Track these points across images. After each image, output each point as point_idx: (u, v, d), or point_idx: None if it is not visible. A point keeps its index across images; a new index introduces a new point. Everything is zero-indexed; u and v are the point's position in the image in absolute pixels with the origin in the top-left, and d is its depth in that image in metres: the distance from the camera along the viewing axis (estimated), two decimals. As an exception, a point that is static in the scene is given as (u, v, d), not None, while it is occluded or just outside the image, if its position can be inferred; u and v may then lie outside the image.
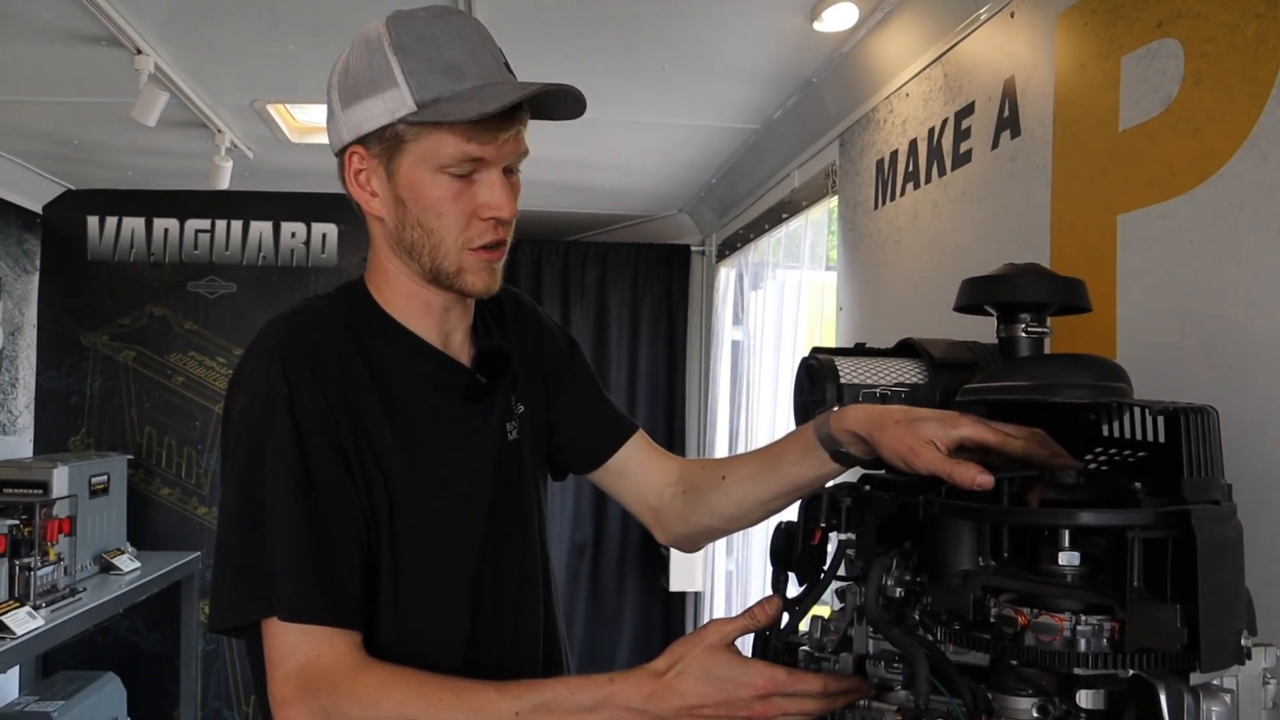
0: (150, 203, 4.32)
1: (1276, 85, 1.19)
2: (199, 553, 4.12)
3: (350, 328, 1.22)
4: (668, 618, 4.85)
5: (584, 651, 4.78)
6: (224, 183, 3.35)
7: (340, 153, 1.22)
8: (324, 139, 3.74)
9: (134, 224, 4.33)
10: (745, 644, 1.21)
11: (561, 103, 1.18)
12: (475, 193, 1.17)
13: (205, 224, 4.37)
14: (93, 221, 4.31)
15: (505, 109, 1.12)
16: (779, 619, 1.13)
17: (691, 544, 1.46)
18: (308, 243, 4.41)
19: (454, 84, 1.13)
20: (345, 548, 1.13)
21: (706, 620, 4.55)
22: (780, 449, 1.27)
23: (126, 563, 3.66)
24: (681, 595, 4.76)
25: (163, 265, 4.34)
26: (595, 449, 1.45)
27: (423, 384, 1.24)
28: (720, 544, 4.36)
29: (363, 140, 1.18)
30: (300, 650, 1.08)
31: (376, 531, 1.18)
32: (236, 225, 4.39)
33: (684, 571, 4.40)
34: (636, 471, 1.44)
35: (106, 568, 3.60)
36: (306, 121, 3.48)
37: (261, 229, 4.40)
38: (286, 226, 4.41)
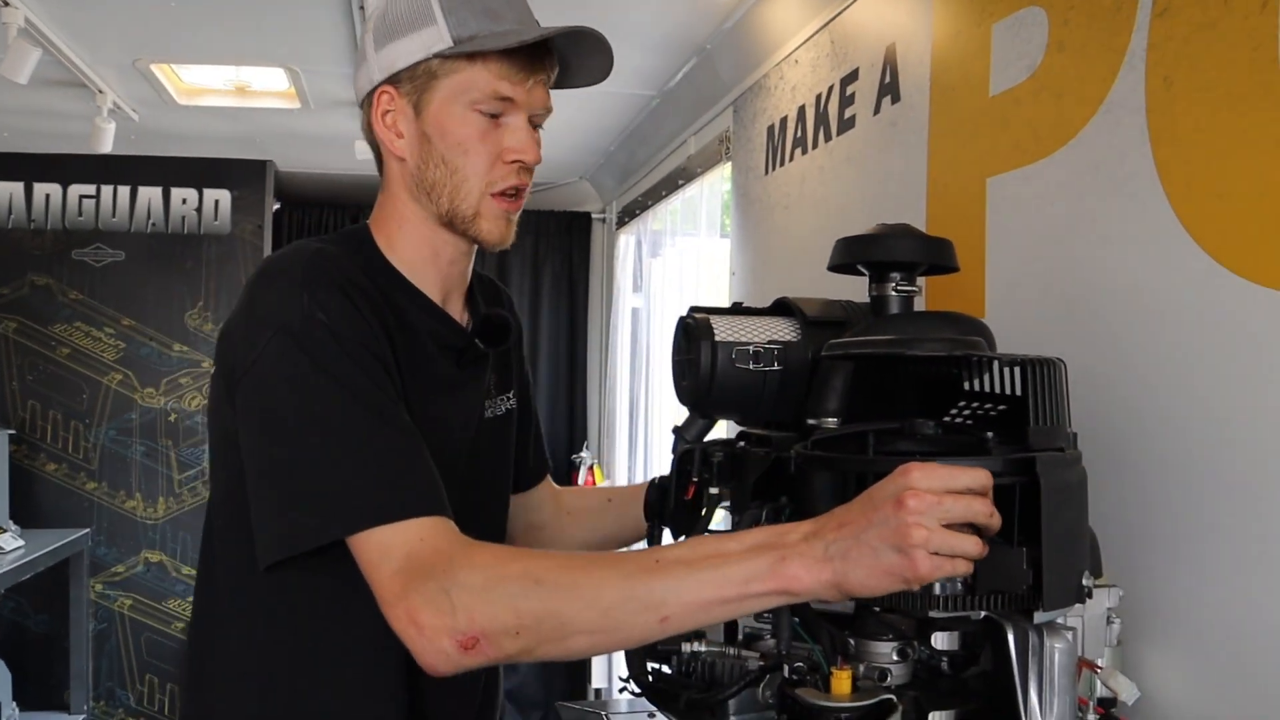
0: (29, 166, 4.15)
1: (1129, 53, 1.24)
2: (88, 529, 4.00)
3: (362, 271, 1.18)
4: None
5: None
6: (107, 146, 3.24)
7: (369, 95, 1.23)
8: (214, 101, 3.61)
9: (12, 189, 4.15)
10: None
11: (588, 63, 1.23)
12: (502, 135, 1.19)
13: (90, 189, 4.22)
14: (-33, 186, 4.13)
15: (531, 48, 1.16)
16: None
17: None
18: (200, 209, 4.29)
19: (491, 24, 1.16)
20: (413, 444, 1.08)
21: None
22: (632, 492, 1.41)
23: (9, 541, 3.54)
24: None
25: (44, 232, 4.18)
26: (519, 478, 1.47)
27: (424, 336, 1.22)
28: (621, 479, 4.39)
29: (393, 80, 1.20)
30: (399, 545, 1.01)
31: None
32: (124, 191, 4.24)
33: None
34: (534, 505, 1.52)
35: (-13, 546, 3.48)
36: (194, 83, 3.38)
37: (150, 195, 4.26)
38: (177, 192, 4.28)
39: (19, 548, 3.56)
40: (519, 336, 1.43)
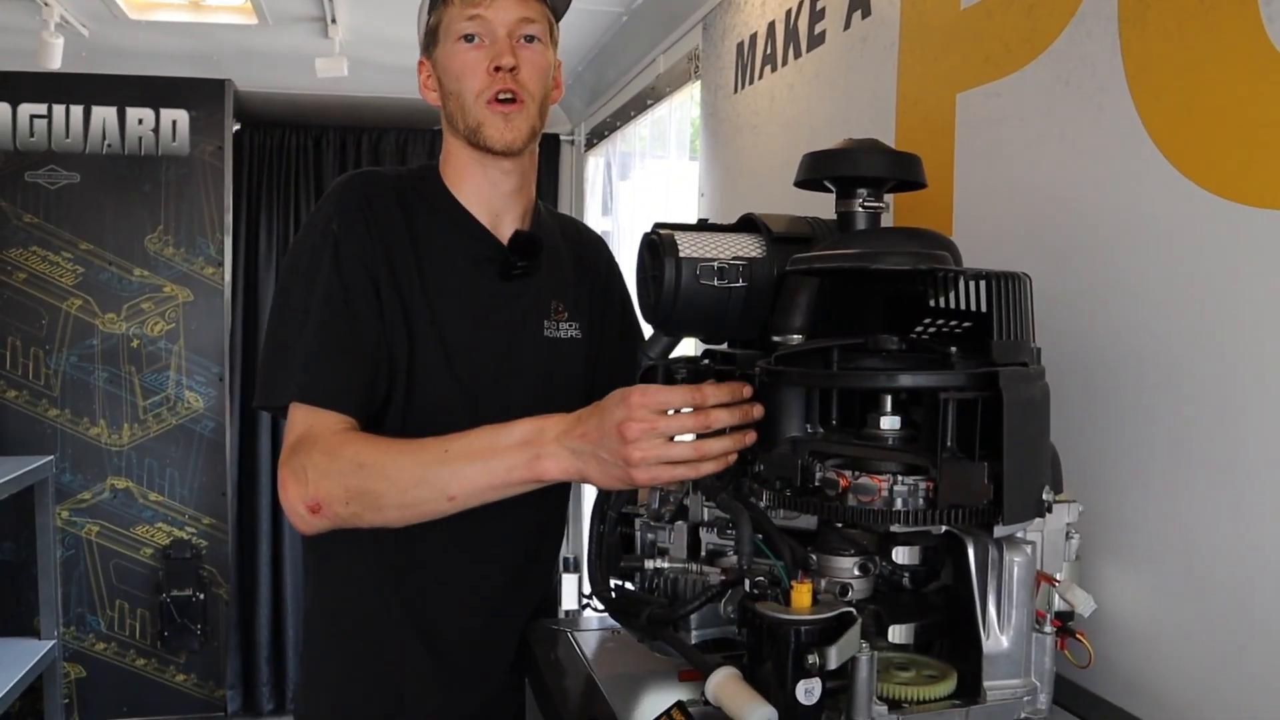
0: (-24, 84, 4.01)
1: (1102, -40, 1.21)
2: (52, 456, 3.96)
3: (406, 194, 1.44)
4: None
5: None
6: (55, 63, 3.12)
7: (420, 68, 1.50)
8: (168, 16, 3.49)
9: (-41, 108, 4.02)
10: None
11: None
12: (484, 54, 1.39)
13: (41, 109, 4.08)
14: (-90, 105, 3.99)
15: None
16: None
17: None
18: (156, 130, 4.17)
19: None
20: (361, 350, 1.34)
21: (581, 509, 4.55)
22: None
23: (-30, 468, 3.50)
24: (557, 487, 4.79)
25: (-5, 153, 4.05)
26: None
27: (460, 253, 1.45)
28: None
29: (425, 50, 1.47)
30: (302, 424, 1.29)
31: (394, 352, 1.38)
32: (77, 110, 4.11)
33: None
34: None
35: (-52, 473, 3.43)
36: (146, -3, 3.26)
37: (105, 115, 4.13)
38: (133, 112, 4.15)
39: (-19, 475, 3.52)
40: (606, 279, 1.63)
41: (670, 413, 1.06)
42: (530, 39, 1.42)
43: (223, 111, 4.18)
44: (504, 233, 1.49)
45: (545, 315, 1.51)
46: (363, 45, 3.46)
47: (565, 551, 4.75)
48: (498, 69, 1.38)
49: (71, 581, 4.15)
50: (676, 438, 1.07)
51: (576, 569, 4.55)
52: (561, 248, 1.57)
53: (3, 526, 4.03)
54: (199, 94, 4.16)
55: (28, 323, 4.09)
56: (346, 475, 1.22)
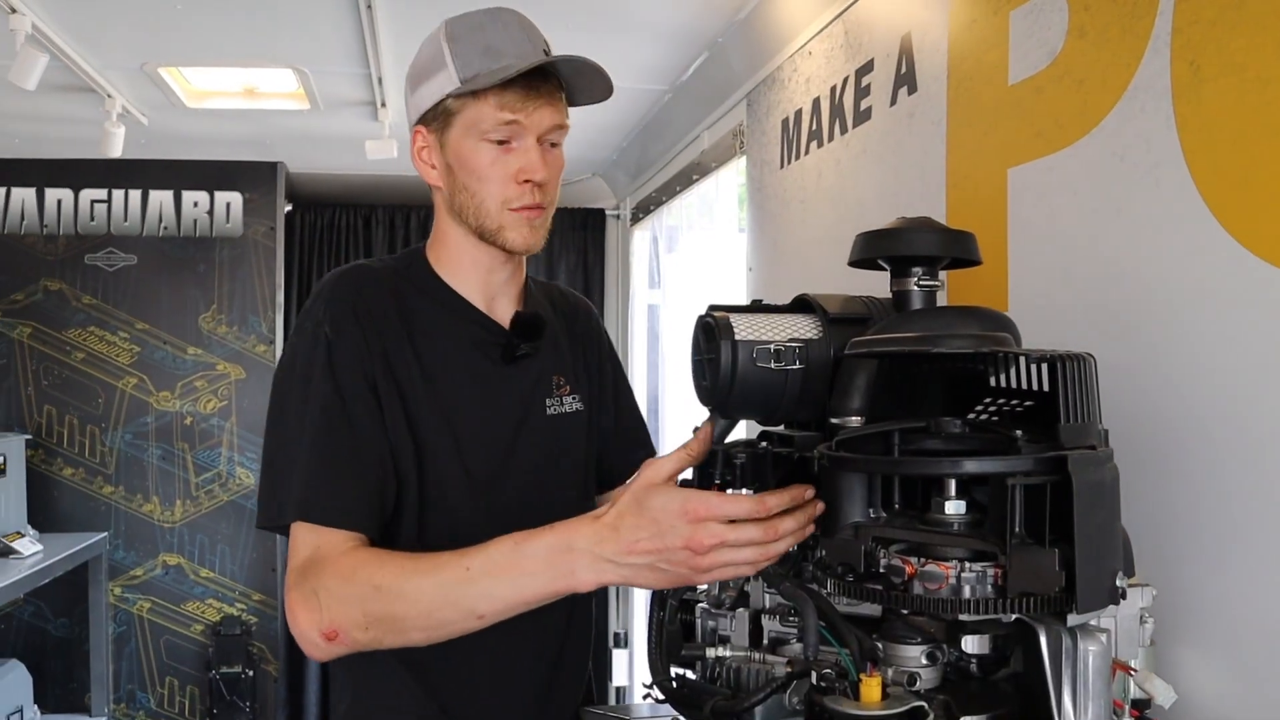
0: (41, 172, 4.15)
1: (1153, 37, 1.21)
2: (106, 533, 4.01)
3: (398, 285, 1.39)
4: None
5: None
6: (117, 150, 3.23)
7: (411, 132, 1.41)
8: (222, 104, 3.61)
9: (24, 194, 4.16)
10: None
11: (591, 84, 1.36)
12: (513, 159, 1.33)
13: (101, 194, 4.22)
14: (-21, 192, 4.13)
15: (529, 77, 1.29)
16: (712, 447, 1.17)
17: None
18: (211, 212, 4.28)
19: (491, 62, 1.30)
20: (362, 461, 1.28)
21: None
22: None
23: (27, 545, 3.55)
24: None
25: (57, 237, 4.18)
26: (601, 477, 1.59)
27: (459, 339, 1.40)
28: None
29: (424, 119, 1.38)
30: (308, 545, 1.23)
31: (400, 458, 1.32)
32: (135, 195, 4.24)
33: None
34: None
35: (5, 551, 3.48)
36: (203, 86, 3.37)
37: (162, 198, 4.26)
38: (188, 195, 4.27)
39: (37, 552, 3.57)
40: (593, 345, 1.60)
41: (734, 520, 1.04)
42: (555, 144, 1.38)
43: (275, 193, 4.29)
44: (500, 314, 1.44)
45: (548, 393, 1.47)
46: (407, 125, 3.54)
47: (616, 626, 4.72)
48: (527, 180, 1.34)
49: (122, 658, 4.17)
50: None
51: (626, 644, 4.50)
52: (553, 319, 1.53)
53: (56, 603, 4.07)
54: (252, 176, 4.27)
55: (85, 401, 4.18)
56: (365, 600, 1.17)
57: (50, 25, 2.54)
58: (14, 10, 2.34)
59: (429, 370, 1.36)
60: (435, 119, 1.36)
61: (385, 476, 1.30)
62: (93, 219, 4.21)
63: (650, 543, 1.04)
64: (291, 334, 1.37)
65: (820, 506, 1.05)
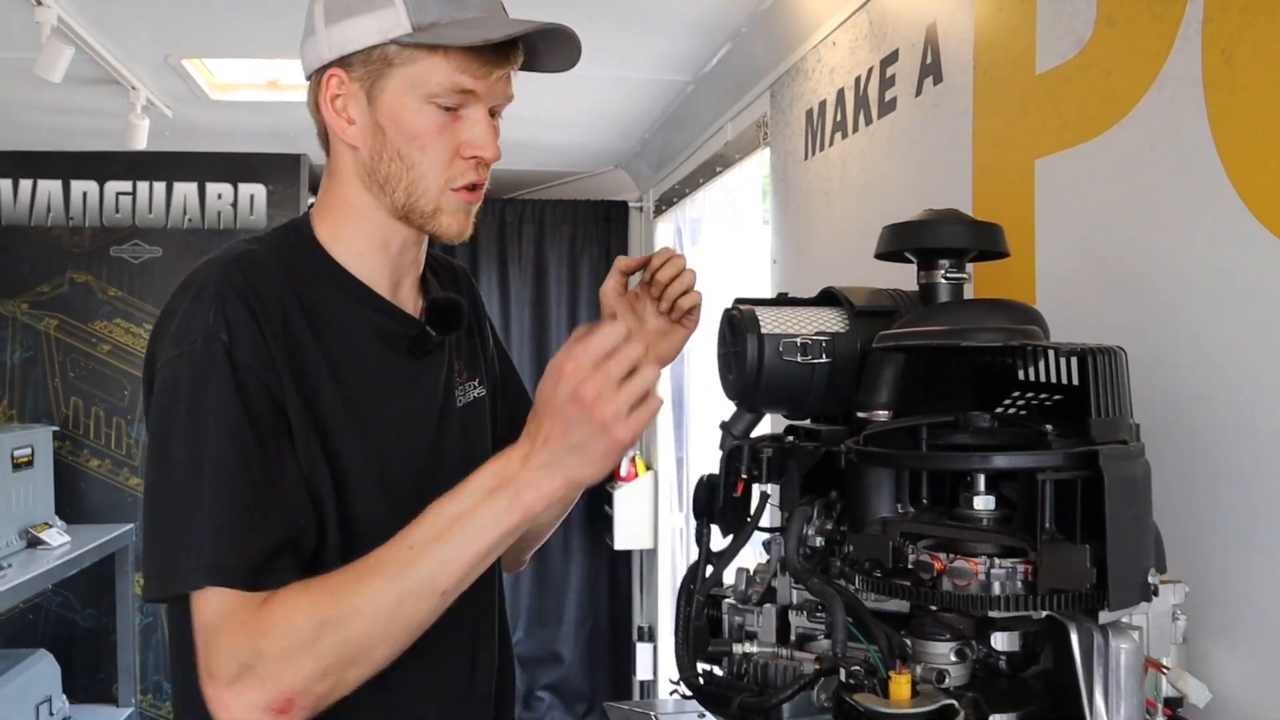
0: (66, 164, 4.17)
1: (1183, 25, 1.19)
2: (131, 525, 4.04)
3: (291, 273, 1.14)
4: (614, 576, 4.87)
5: (531, 614, 4.79)
6: (141, 142, 3.25)
7: (316, 73, 1.16)
8: (247, 95, 3.61)
9: (50, 187, 4.19)
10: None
11: (556, 51, 1.16)
12: (460, 129, 1.13)
13: (126, 186, 4.24)
14: (4, 184, 4.16)
15: (506, 40, 1.10)
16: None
17: (507, 566, 1.42)
18: (235, 204, 4.30)
19: (454, 10, 1.10)
20: (283, 500, 1.06)
21: (656, 577, 4.48)
22: None
23: (55, 537, 3.58)
24: (627, 553, 4.78)
25: (83, 229, 4.21)
26: None
27: (367, 332, 1.18)
28: (666, 500, 4.38)
29: (344, 62, 1.13)
30: (215, 613, 1.00)
31: (315, 485, 1.10)
32: (159, 187, 4.26)
33: (629, 530, 4.41)
34: None
35: (34, 542, 3.51)
36: (227, 78, 3.38)
37: (186, 190, 4.28)
38: (212, 188, 4.29)
39: (65, 543, 3.60)
40: (480, 319, 1.40)
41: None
42: (498, 114, 1.18)
43: (298, 184, 4.30)
44: (404, 300, 1.23)
45: (454, 383, 1.29)
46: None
47: (640, 620, 4.72)
48: (474, 157, 1.14)
49: (150, 648, 4.20)
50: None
51: (651, 638, 4.50)
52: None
53: (84, 594, 4.11)
54: (276, 169, 4.29)
55: (111, 393, 4.21)
56: (313, 644, 0.97)
57: (75, 17, 2.55)
58: (40, 3, 2.36)
59: (339, 373, 1.14)
60: (365, 65, 1.12)
61: (305, 513, 1.08)
62: (118, 211, 4.24)
63: (553, 425, 0.95)
64: (168, 345, 1.07)
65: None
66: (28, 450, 3.61)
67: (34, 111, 3.55)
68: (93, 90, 3.15)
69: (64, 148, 4.13)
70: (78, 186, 4.20)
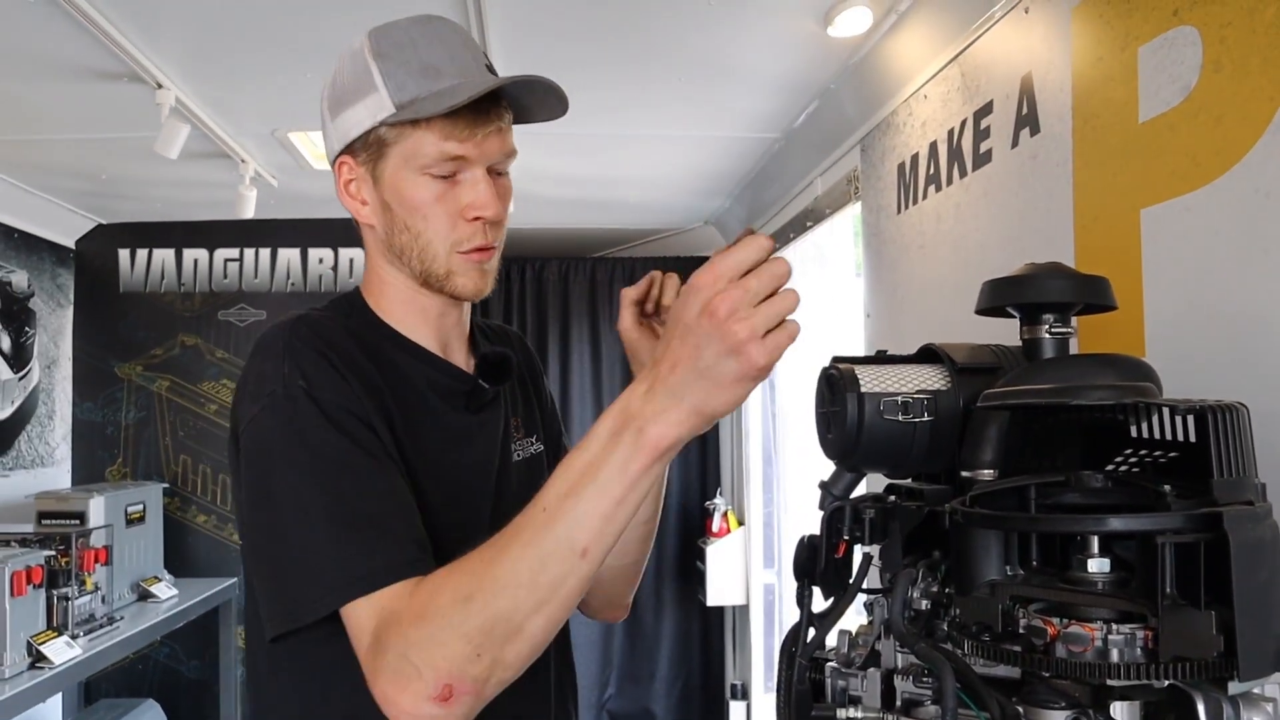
0: (179, 234, 4.37)
1: (1298, 69, 1.16)
2: (235, 578, 4.14)
3: (352, 333, 1.20)
4: (706, 632, 4.82)
5: (624, 671, 4.75)
6: (249, 211, 3.38)
7: (333, 164, 1.23)
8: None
9: (164, 255, 4.38)
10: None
11: (544, 102, 1.19)
12: (460, 193, 1.17)
13: (234, 253, 4.41)
14: (124, 254, 4.37)
15: (475, 100, 1.12)
16: None
17: (610, 608, 1.47)
18: (335, 268, 4.44)
19: (430, 83, 1.14)
20: (389, 504, 1.07)
21: (749, 634, 4.43)
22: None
23: (164, 590, 3.69)
24: (720, 609, 4.72)
25: (193, 295, 4.39)
26: None
27: (426, 387, 1.22)
28: (757, 556, 4.33)
29: (350, 149, 1.19)
30: (368, 619, 1.01)
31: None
32: (264, 253, 4.43)
33: (721, 586, 4.36)
34: None
35: (144, 595, 3.63)
36: (329, 148, 3.51)
37: (289, 256, 4.44)
38: (314, 253, 4.44)
39: (173, 596, 3.71)
40: (536, 378, 1.43)
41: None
42: (503, 173, 1.22)
43: (395, 248, 4.42)
44: (455, 359, 1.28)
45: (510, 439, 1.31)
46: (522, 179, 3.61)
47: (733, 677, 4.65)
48: (477, 218, 1.17)
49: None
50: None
51: (745, 696, 4.43)
52: None
53: (190, 645, 4.22)
54: (375, 233, 4.41)
55: (217, 450, 4.35)
56: (462, 624, 0.95)
57: (192, 98, 2.69)
58: (160, 86, 2.49)
59: (405, 425, 1.16)
60: (365, 149, 1.18)
61: (417, 515, 1.10)
62: (225, 277, 4.41)
63: (682, 346, 0.89)
64: (247, 404, 1.11)
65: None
66: (140, 506, 3.75)
67: (151, 185, 3.74)
68: (205, 164, 3.30)
69: (177, 218, 4.32)
70: (189, 254, 4.39)
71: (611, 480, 0.93)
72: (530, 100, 1.19)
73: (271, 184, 3.61)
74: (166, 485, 4.14)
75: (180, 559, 4.16)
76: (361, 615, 1.01)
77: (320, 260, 4.43)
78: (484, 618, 0.95)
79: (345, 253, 4.42)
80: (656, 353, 0.92)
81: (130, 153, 3.23)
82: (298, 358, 1.11)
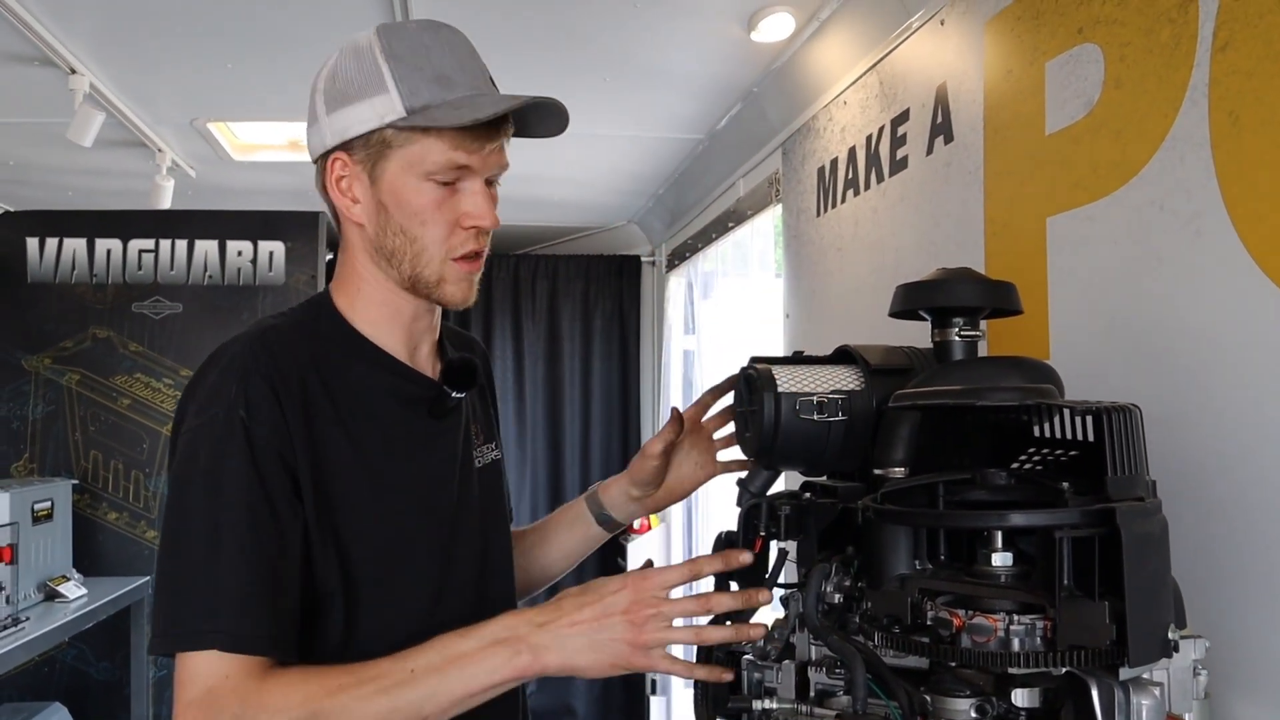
0: (91, 223, 4.23)
1: (1190, 88, 1.22)
2: (148, 578, 4.04)
3: (314, 345, 1.21)
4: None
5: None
6: (166, 202, 3.31)
7: (322, 158, 1.22)
8: (267, 156, 3.69)
9: (75, 245, 4.25)
10: (690, 653, 1.22)
11: (545, 119, 1.22)
12: (458, 202, 1.19)
13: (149, 244, 4.29)
14: (32, 243, 4.22)
15: (494, 118, 1.15)
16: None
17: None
18: (254, 261, 4.35)
19: (444, 92, 1.15)
20: (289, 574, 1.12)
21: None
22: (553, 520, 1.54)
23: (72, 589, 3.58)
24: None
25: (106, 286, 4.26)
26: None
27: (386, 397, 1.24)
28: (677, 552, 4.36)
29: (346, 146, 1.19)
30: (213, 675, 1.05)
31: (324, 553, 1.15)
32: (181, 245, 4.31)
33: (642, 556, 4.39)
34: None
35: (51, 595, 3.52)
36: (249, 139, 3.45)
37: (207, 248, 4.33)
38: (232, 245, 4.34)
39: (81, 596, 3.60)
40: (491, 385, 1.48)
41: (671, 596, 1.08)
42: (494, 183, 1.24)
43: (316, 242, 4.36)
44: (421, 365, 1.29)
45: (471, 445, 1.34)
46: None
47: (652, 673, 4.66)
48: (473, 226, 1.20)
49: (163, 702, 4.18)
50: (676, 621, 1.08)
51: (664, 692, 4.47)
52: None
53: (99, 647, 4.10)
54: (295, 226, 4.34)
55: (130, 447, 4.23)
56: None
57: (107, 84, 2.62)
58: (74, 71, 2.42)
59: (358, 439, 1.19)
60: (365, 148, 1.18)
61: (298, 590, 1.13)
62: (140, 268, 4.29)
63: (591, 612, 1.07)
64: (190, 416, 1.14)
65: (765, 596, 1.12)
66: (48, 504, 3.63)
67: (63, 173, 3.64)
68: (120, 153, 3.22)
69: (89, 207, 4.20)
70: (102, 244, 4.26)
71: (476, 677, 1.07)
72: (534, 117, 1.22)
73: (190, 174, 3.54)
74: (76, 482, 4.02)
75: (90, 557, 4.04)
76: (204, 666, 1.05)
77: (239, 253, 4.33)
78: None
79: (264, 245, 4.33)
80: (564, 602, 1.10)
81: (41, 139, 3.14)
82: (247, 384, 1.12)
